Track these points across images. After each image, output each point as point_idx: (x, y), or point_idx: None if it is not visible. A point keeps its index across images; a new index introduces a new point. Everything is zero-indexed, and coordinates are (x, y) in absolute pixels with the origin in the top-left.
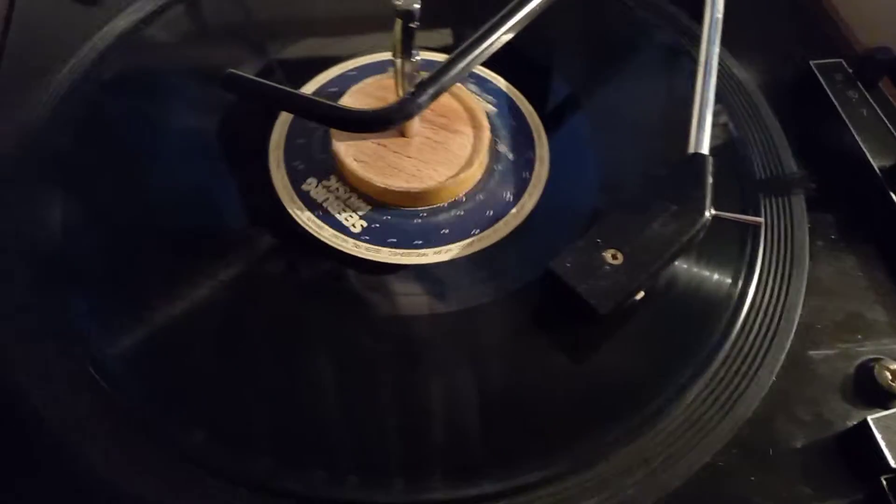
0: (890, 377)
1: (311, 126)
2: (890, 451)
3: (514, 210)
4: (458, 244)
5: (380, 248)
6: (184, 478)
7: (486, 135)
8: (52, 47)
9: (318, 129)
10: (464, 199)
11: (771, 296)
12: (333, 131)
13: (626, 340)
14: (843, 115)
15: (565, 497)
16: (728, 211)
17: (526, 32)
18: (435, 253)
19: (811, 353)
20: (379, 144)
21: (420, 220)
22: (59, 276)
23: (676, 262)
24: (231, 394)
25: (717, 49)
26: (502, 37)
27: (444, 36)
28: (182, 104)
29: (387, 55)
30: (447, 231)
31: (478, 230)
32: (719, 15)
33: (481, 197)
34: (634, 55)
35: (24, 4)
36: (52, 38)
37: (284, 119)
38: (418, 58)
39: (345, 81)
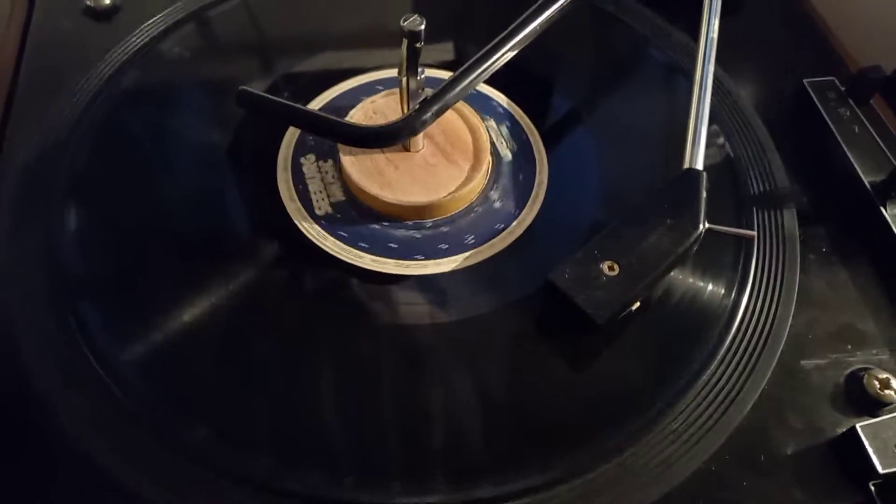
0: (879, 386)
1: (317, 141)
2: (878, 457)
3: (514, 223)
4: (459, 256)
5: (383, 258)
6: (189, 478)
7: (488, 150)
8: (69, 63)
9: (325, 144)
10: (465, 212)
11: (763, 307)
12: (341, 146)
13: (623, 349)
14: (835, 132)
15: (561, 502)
16: (722, 224)
17: (527, 50)
18: (437, 264)
19: (803, 362)
20: (385, 159)
21: (423, 233)
22: (74, 283)
23: (672, 274)
24: (236, 396)
25: (711, 67)
26: (504, 56)
27: (447, 52)
28: (195, 117)
29: (393, 72)
30: (449, 243)
31: (479, 242)
32: (714, 34)
33: (482, 210)
34: (632, 73)
35: (40, 21)
36: (69, 54)
37: (293, 131)
38: (423, 76)
39: (353, 97)
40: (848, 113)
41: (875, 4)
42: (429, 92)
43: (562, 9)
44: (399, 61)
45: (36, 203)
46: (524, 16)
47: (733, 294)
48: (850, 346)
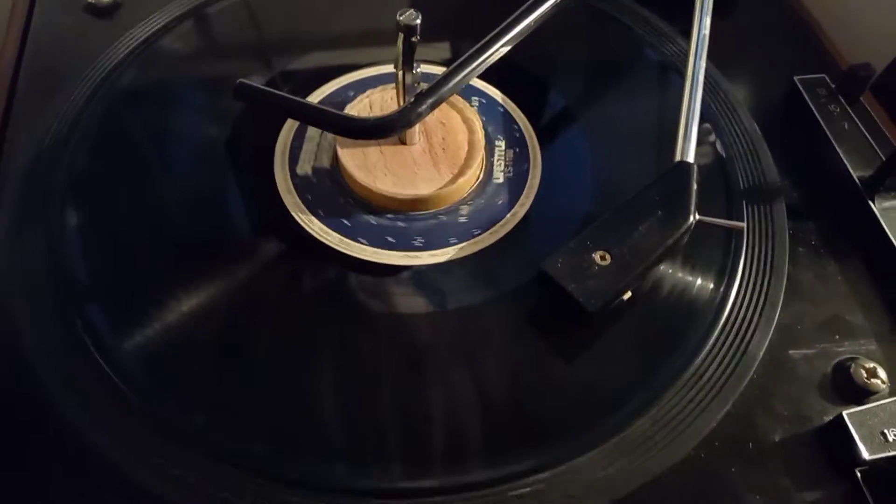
0: (865, 375)
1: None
2: (864, 443)
3: (508, 215)
4: (454, 247)
5: (379, 250)
6: (194, 468)
7: (482, 144)
8: (70, 59)
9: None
10: (460, 205)
11: (751, 297)
12: (338, 138)
13: (615, 338)
14: (825, 128)
15: (552, 485)
16: (712, 217)
17: (521, 47)
18: (431, 255)
19: (791, 352)
20: (381, 152)
21: (419, 224)
22: (76, 280)
23: (662, 265)
24: (238, 387)
25: (703, 64)
26: (498, 51)
27: (443, 50)
28: (194, 113)
29: (389, 67)
30: (443, 235)
31: (474, 234)
32: (706, 32)
33: (477, 202)
34: (625, 70)
35: (42, 17)
36: (70, 51)
37: (290, 125)
38: (419, 70)
39: (349, 92)
40: (838, 110)
41: (866, 3)
42: (424, 86)
43: (555, 5)
44: (395, 56)
45: (37, 201)
46: (518, 12)
47: (723, 285)
48: (837, 337)
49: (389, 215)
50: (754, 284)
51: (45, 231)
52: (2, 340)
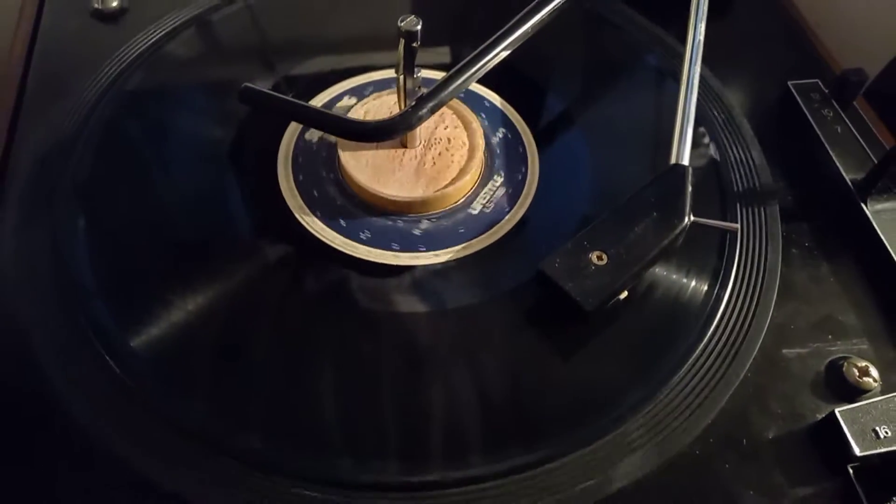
0: (858, 374)
1: (316, 139)
2: (856, 440)
3: (506, 217)
4: (453, 248)
5: (380, 250)
6: (199, 461)
7: (481, 147)
8: (77, 64)
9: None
10: (460, 207)
11: (745, 297)
12: (340, 141)
13: (611, 337)
14: (819, 132)
15: (548, 480)
16: (707, 218)
17: (519, 51)
18: (431, 256)
19: (785, 351)
20: (382, 155)
21: (418, 226)
22: (82, 278)
23: (658, 266)
24: (239, 382)
25: (698, 68)
26: (497, 56)
27: (444, 55)
28: (198, 116)
29: (391, 72)
30: (443, 236)
31: (472, 235)
32: (700, 37)
33: (476, 204)
34: (621, 73)
35: (49, 23)
36: (77, 55)
37: (293, 129)
38: (419, 75)
39: (351, 96)
40: (831, 114)
41: (859, 9)
42: (425, 90)
43: (553, 11)
44: (396, 61)
45: (44, 200)
46: (516, 18)
47: (717, 285)
48: (830, 336)
49: (390, 217)
50: (748, 285)
51: (52, 230)
52: (8, 338)
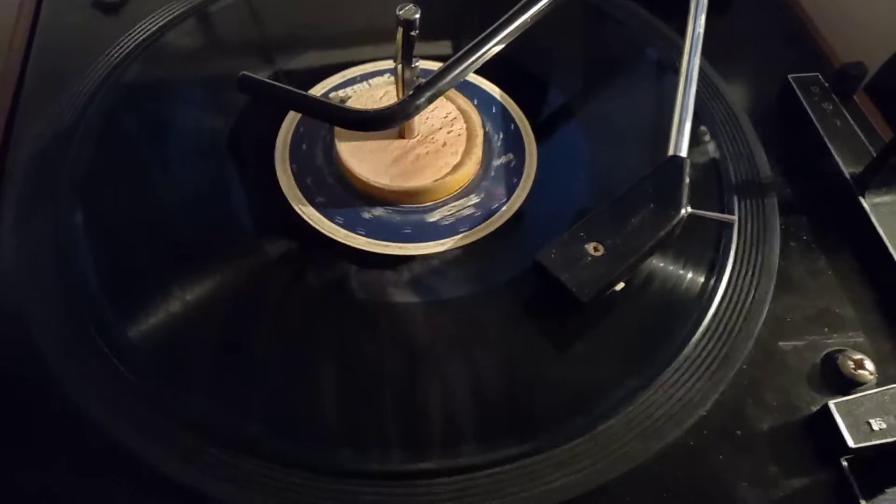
0: (853, 366)
1: (314, 130)
2: (849, 432)
3: (504, 207)
4: (451, 238)
5: (378, 241)
6: (196, 448)
7: (480, 137)
8: (76, 55)
9: (320, 133)
10: (457, 197)
11: (742, 290)
12: (337, 131)
13: (607, 327)
14: (818, 126)
15: (543, 469)
16: (705, 210)
17: (517, 43)
18: (429, 246)
19: (781, 344)
20: (380, 145)
21: (416, 216)
22: (82, 271)
23: (654, 257)
24: (240, 371)
25: (697, 60)
26: (495, 46)
27: (441, 47)
28: (196, 108)
29: (389, 63)
30: (441, 226)
31: (470, 226)
32: (700, 30)
33: (474, 195)
34: (620, 65)
35: (49, 14)
36: (77, 47)
37: (290, 121)
38: (418, 65)
39: (352, 85)
40: (831, 107)
41: (860, 3)
42: (422, 80)
43: (552, 2)
44: (395, 50)
45: (44, 193)
46: (515, 8)
47: (713, 278)
48: (827, 329)
49: (388, 207)
50: (745, 277)
51: (52, 224)
52: (11, 333)
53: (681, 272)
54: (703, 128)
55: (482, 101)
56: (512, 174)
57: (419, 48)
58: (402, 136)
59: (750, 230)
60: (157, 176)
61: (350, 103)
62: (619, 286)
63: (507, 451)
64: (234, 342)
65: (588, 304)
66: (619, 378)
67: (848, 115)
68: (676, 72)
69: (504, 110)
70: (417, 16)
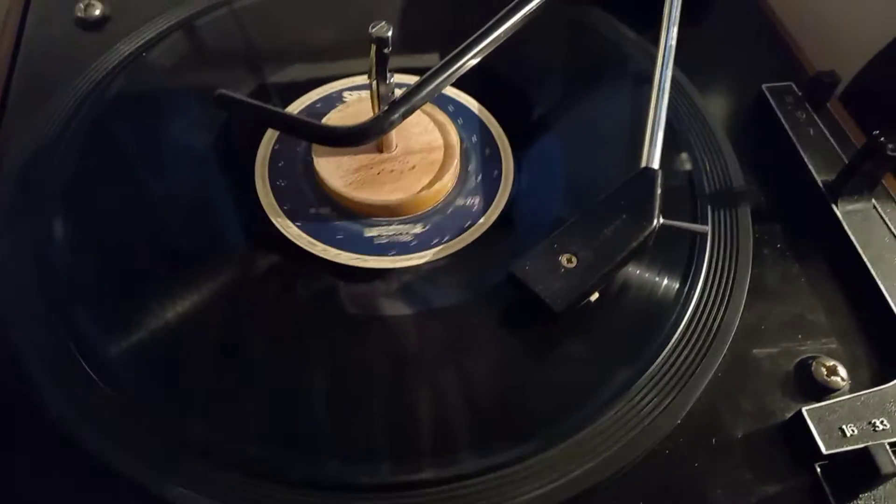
0: (826, 373)
1: (293, 145)
2: (822, 439)
3: (481, 219)
4: (429, 251)
5: (356, 254)
6: (180, 466)
7: (457, 150)
8: (60, 71)
9: (299, 147)
10: (435, 210)
11: (715, 298)
12: (315, 147)
13: (583, 337)
14: (791, 134)
15: (521, 478)
16: (678, 220)
17: (495, 55)
18: (408, 259)
19: (755, 351)
20: (357, 160)
21: (394, 229)
22: (64, 285)
23: (629, 267)
24: (223, 386)
25: (669, 72)
26: (469, 62)
27: (418, 60)
28: (178, 122)
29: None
30: (419, 239)
31: (448, 237)
32: (672, 42)
33: (452, 207)
34: (595, 77)
35: (33, 30)
36: (60, 63)
37: (270, 135)
38: (393, 80)
39: (330, 101)
40: (804, 116)
41: (835, 13)
42: (398, 94)
43: (528, 16)
44: (369, 66)
45: (27, 207)
46: (490, 22)
47: (687, 286)
48: (800, 336)
49: (366, 220)
50: (719, 285)
51: (35, 236)
52: None
53: (655, 281)
54: (676, 138)
55: (459, 113)
56: (489, 186)
57: (400, 61)
58: (379, 150)
59: (724, 238)
60: (139, 189)
61: (352, 107)
62: (594, 296)
63: (486, 462)
64: (213, 357)
65: (562, 314)
66: (595, 387)
67: (821, 124)
68: (650, 82)
69: (480, 122)
70: (390, 34)
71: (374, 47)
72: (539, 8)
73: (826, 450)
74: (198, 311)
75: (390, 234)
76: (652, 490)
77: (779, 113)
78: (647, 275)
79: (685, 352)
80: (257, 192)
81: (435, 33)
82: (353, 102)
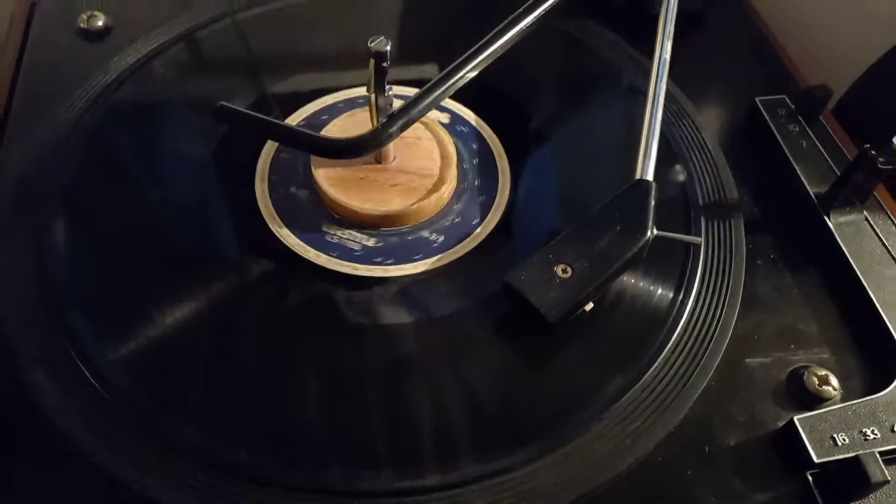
0: (818, 382)
1: (293, 155)
2: (813, 448)
3: (477, 230)
4: (426, 261)
5: (354, 263)
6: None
7: (454, 161)
8: (62, 82)
9: (299, 157)
10: (432, 220)
11: (708, 308)
12: (314, 158)
13: (577, 347)
14: (784, 147)
15: (514, 486)
16: (671, 231)
17: (493, 68)
18: (405, 268)
19: (748, 360)
20: (355, 171)
21: (392, 239)
22: (64, 291)
23: (624, 277)
24: (219, 392)
25: (664, 86)
26: (466, 75)
27: (416, 72)
28: (178, 132)
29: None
30: (416, 249)
31: (445, 248)
32: (667, 55)
33: (448, 218)
34: (591, 90)
35: (36, 42)
36: (62, 74)
37: (271, 145)
38: (391, 92)
39: (331, 112)
40: (796, 129)
41: (828, 27)
42: (397, 106)
43: (524, 31)
44: (367, 80)
45: (27, 214)
46: (487, 37)
47: (680, 296)
48: (792, 346)
49: (364, 230)
50: (713, 296)
51: (35, 242)
52: None
53: (650, 291)
54: (671, 150)
55: (456, 125)
56: (485, 197)
57: (398, 73)
58: (377, 161)
59: (717, 249)
60: (139, 198)
61: (351, 119)
62: (589, 306)
63: (480, 469)
64: (211, 362)
65: (556, 324)
66: (588, 396)
67: (813, 137)
68: (646, 95)
69: (477, 134)
70: (388, 48)
71: (372, 61)
72: (536, 21)
73: (817, 458)
74: (197, 317)
75: (387, 244)
76: (644, 497)
77: (772, 125)
78: (641, 285)
79: (679, 361)
80: (257, 201)
81: (433, 46)
82: (353, 114)
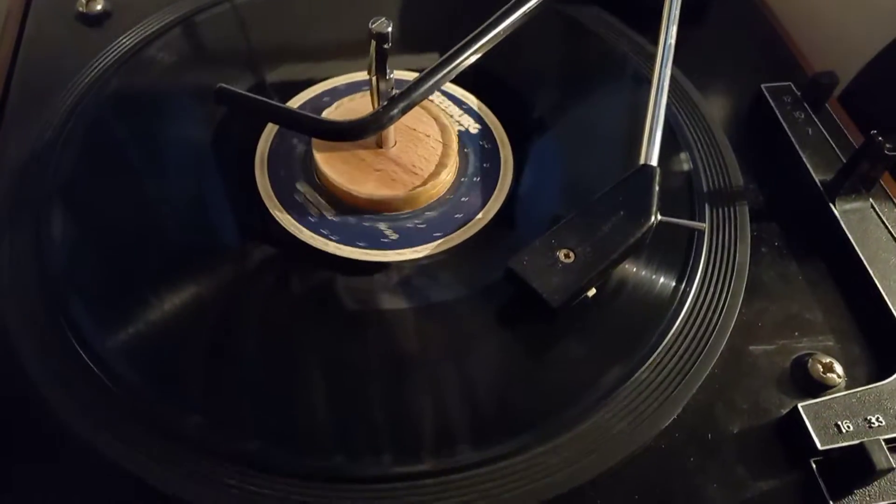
0: (822, 370)
1: (292, 139)
2: (817, 435)
3: (479, 215)
4: (427, 245)
5: (356, 248)
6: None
7: (455, 146)
8: (61, 67)
9: (299, 141)
10: (434, 205)
11: (712, 296)
12: (314, 142)
13: (581, 332)
14: (790, 134)
15: (516, 472)
16: (676, 217)
17: (494, 53)
18: (406, 253)
19: (751, 348)
20: (356, 155)
21: (393, 224)
22: (63, 281)
23: (627, 263)
24: (222, 380)
25: (668, 71)
26: (467, 59)
27: (417, 58)
28: (178, 118)
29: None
30: (417, 234)
31: (447, 233)
32: (672, 40)
33: (450, 203)
34: (594, 75)
35: (35, 26)
36: (61, 58)
37: (270, 129)
38: (392, 76)
39: (329, 97)
40: (802, 116)
41: (834, 14)
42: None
43: (526, 14)
44: (368, 61)
45: (26, 203)
46: (490, 20)
47: (684, 283)
48: (797, 334)
49: (366, 215)
50: (716, 282)
51: (34, 233)
52: None
53: (653, 278)
54: (675, 137)
55: (459, 109)
56: (487, 182)
57: (399, 59)
58: (378, 145)
59: (721, 236)
60: (139, 185)
61: (351, 103)
62: (591, 292)
63: (481, 455)
64: (214, 350)
65: (559, 309)
66: (591, 382)
67: (819, 124)
68: (649, 81)
69: (480, 118)
70: (390, 29)
71: (373, 43)
72: (538, 6)
73: (821, 446)
74: (199, 304)
75: (389, 228)
76: (647, 485)
77: (777, 113)
78: (644, 271)
79: (682, 348)
80: (257, 186)
81: (434, 31)
82: (353, 99)
